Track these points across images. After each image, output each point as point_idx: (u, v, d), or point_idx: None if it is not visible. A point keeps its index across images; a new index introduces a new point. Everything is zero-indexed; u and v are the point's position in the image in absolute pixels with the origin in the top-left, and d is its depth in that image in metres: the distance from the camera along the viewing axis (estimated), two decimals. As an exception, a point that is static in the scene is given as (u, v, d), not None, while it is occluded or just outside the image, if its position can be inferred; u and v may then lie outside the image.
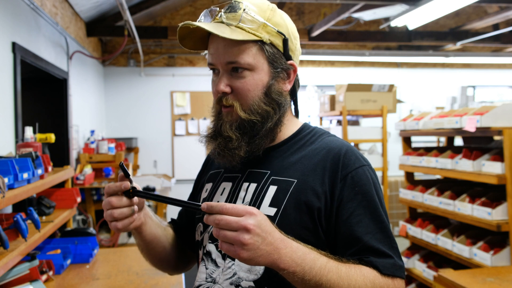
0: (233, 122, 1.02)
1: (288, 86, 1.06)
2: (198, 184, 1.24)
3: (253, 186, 1.04)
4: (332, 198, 0.97)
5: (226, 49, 0.99)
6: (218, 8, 1.02)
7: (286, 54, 1.03)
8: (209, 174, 1.19)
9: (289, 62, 1.04)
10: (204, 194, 1.15)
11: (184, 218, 1.23)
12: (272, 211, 0.98)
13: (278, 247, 0.84)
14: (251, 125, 1.01)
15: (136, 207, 0.98)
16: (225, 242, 0.82)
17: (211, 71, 1.06)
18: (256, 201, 1.01)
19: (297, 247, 0.87)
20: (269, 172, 1.04)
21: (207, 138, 1.06)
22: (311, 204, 0.96)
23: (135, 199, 0.98)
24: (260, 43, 1.00)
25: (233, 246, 0.82)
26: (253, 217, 0.82)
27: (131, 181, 0.96)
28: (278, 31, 1.01)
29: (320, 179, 0.98)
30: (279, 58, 1.02)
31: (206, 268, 1.05)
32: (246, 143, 1.01)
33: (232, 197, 1.06)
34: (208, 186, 1.15)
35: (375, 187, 1.00)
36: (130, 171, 1.00)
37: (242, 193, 1.05)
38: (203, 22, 1.00)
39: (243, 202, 1.03)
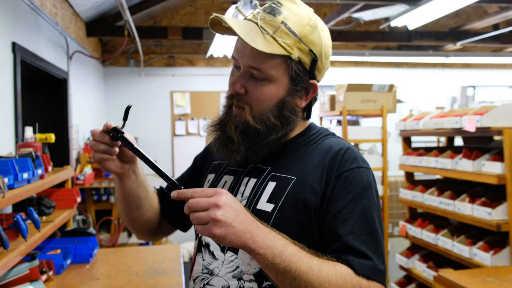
0: (239, 125, 1.01)
1: (303, 103, 1.05)
2: (201, 170, 1.24)
3: (252, 181, 1.04)
4: (325, 195, 0.97)
5: (252, 52, 0.96)
6: (258, 3, 1.00)
7: (311, 73, 1.01)
8: (212, 164, 1.19)
9: (311, 81, 1.02)
10: (206, 185, 1.16)
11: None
12: (270, 207, 0.98)
13: (250, 227, 0.85)
14: (255, 133, 1.01)
15: (114, 149, 1.02)
16: (200, 224, 0.84)
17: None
18: (254, 196, 1.01)
19: (269, 231, 0.87)
20: (270, 168, 1.04)
21: (212, 128, 1.07)
22: (309, 202, 0.96)
23: (122, 148, 1.04)
24: (288, 58, 0.97)
25: (207, 225, 0.83)
26: (223, 195, 0.84)
27: (123, 126, 1.01)
28: (310, 50, 0.98)
29: (318, 178, 0.98)
30: (302, 77, 1.00)
31: (203, 260, 1.06)
32: (246, 148, 1.01)
33: (232, 191, 1.07)
34: (211, 177, 1.16)
35: (370, 189, 0.98)
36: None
37: (242, 188, 1.05)
38: (236, 22, 0.95)
39: (242, 196, 1.04)
